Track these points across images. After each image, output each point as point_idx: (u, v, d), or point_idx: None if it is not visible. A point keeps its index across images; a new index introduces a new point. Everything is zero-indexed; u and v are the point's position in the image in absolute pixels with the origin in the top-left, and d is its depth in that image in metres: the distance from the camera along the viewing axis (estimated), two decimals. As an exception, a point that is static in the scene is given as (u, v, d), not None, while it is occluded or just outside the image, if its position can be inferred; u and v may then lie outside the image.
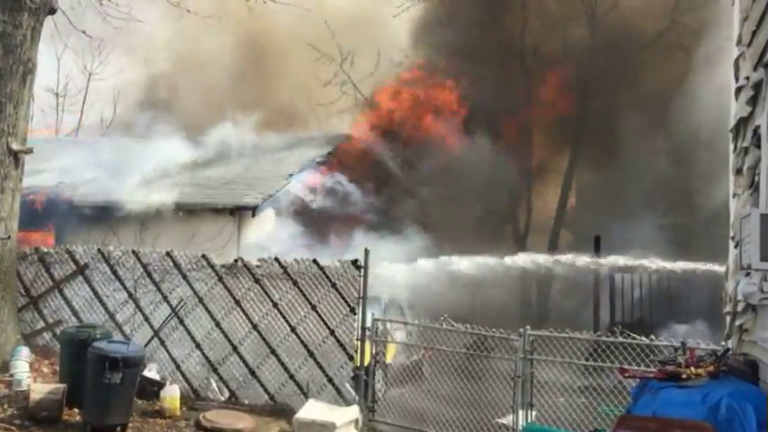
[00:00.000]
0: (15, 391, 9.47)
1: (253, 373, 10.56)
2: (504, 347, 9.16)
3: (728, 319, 5.96)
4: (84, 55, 28.49)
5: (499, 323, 9.51)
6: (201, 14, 15.26)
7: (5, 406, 9.00)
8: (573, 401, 8.84)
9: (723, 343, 6.34)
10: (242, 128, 16.57)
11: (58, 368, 10.15)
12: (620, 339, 8.06)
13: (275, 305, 10.64)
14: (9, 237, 10.84)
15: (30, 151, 11.32)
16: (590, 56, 19.33)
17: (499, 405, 8.94)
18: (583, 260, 15.83)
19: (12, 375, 9.90)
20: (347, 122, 19.61)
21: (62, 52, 26.80)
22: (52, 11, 11.67)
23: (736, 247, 5.65)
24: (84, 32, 13.90)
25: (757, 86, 5.17)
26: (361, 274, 10.14)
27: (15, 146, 10.89)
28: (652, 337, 7.89)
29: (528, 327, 8.72)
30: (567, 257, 15.96)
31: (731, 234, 5.98)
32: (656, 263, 15.12)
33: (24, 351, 10.56)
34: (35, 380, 9.82)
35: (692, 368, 5.06)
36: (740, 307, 5.47)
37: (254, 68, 22.99)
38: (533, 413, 8.37)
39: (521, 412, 8.43)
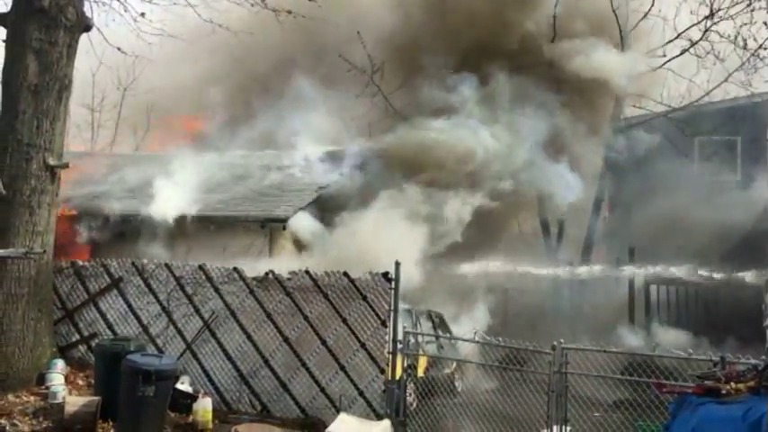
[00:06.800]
0: (51, 403, 9.60)
1: (284, 386, 10.55)
2: (537, 360, 9.01)
3: (769, 333, 5.81)
4: (118, 70, 28.94)
5: (533, 335, 9.35)
6: (233, 29, 15.38)
7: (41, 419, 9.13)
8: (609, 416, 8.68)
9: (764, 357, 6.18)
10: (273, 140, 16.67)
11: (92, 381, 10.28)
12: (657, 353, 7.89)
13: (306, 318, 10.64)
14: (45, 251, 10.99)
15: (66, 166, 11.48)
16: None
17: (533, 420, 8.79)
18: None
19: (47, 388, 10.04)
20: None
21: (97, 68, 27.23)
22: (87, 28, 11.86)
23: (776, 259, 5.50)
24: (119, 49, 14.06)
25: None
26: (392, 286, 10.08)
27: (52, 161, 11.06)
28: (690, 350, 7.71)
29: (562, 340, 8.56)
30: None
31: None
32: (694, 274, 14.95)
33: (60, 364, 10.73)
34: (70, 392, 9.96)
35: (732, 383, 4.94)
36: (781, 321, 5.32)
37: (284, 81, 23.12)
38: (568, 428, 8.22)
39: (555, 428, 8.28)
